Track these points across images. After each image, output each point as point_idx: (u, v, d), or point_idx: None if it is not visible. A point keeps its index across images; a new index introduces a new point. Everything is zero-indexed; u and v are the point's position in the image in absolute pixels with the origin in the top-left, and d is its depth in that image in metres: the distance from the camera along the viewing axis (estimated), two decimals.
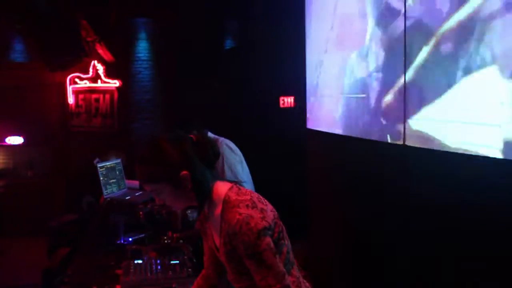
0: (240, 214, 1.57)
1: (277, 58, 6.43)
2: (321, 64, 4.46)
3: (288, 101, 7.10)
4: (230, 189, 1.68)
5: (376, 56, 3.17)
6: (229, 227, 1.59)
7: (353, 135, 3.59)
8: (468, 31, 2.12)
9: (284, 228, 1.69)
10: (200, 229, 1.91)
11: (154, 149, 1.66)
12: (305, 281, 1.77)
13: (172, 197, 1.69)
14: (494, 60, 1.97)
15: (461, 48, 2.19)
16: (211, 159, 1.72)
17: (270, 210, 1.65)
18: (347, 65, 3.73)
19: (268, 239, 1.57)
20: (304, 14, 4.95)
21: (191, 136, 1.72)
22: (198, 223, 1.89)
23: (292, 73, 5.57)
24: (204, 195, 1.69)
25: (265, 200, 1.69)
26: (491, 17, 1.98)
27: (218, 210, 1.67)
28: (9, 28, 6.97)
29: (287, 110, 7.06)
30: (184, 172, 1.63)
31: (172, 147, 1.65)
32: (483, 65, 2.04)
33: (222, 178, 1.79)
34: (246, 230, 1.55)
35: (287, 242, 1.69)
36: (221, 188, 1.70)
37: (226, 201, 1.64)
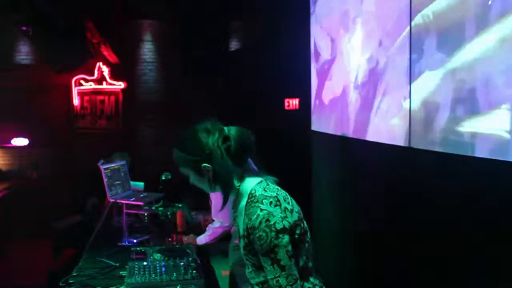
0: (261, 210, 1.59)
1: (282, 60, 6.42)
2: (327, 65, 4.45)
3: (293, 103, 7.09)
4: (258, 183, 1.70)
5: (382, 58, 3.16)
6: (249, 221, 1.60)
7: (358, 136, 3.58)
8: None
9: (307, 231, 1.70)
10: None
11: (186, 138, 1.75)
12: None
13: (198, 182, 1.75)
14: None
15: None
16: (239, 154, 1.72)
17: (295, 211, 1.66)
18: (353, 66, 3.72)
19: (286, 240, 1.57)
20: (309, 15, 4.95)
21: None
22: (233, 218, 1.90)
23: (297, 74, 5.56)
24: (225, 188, 1.71)
25: (292, 200, 1.69)
26: None
27: (243, 203, 1.69)
28: (14, 30, 6.99)
29: (292, 112, 7.06)
30: (206, 164, 1.68)
31: (201, 140, 1.69)
32: None
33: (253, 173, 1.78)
34: (265, 226, 1.56)
35: (308, 246, 1.69)
36: (250, 182, 1.71)
37: (251, 195, 1.66)
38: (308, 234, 1.71)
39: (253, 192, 1.66)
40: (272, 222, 1.56)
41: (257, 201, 1.62)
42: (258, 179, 1.72)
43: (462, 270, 2.29)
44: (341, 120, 4.00)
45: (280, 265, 1.56)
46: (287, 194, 1.71)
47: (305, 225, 1.70)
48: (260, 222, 1.57)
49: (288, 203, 1.65)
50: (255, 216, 1.59)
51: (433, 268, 2.53)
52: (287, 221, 1.59)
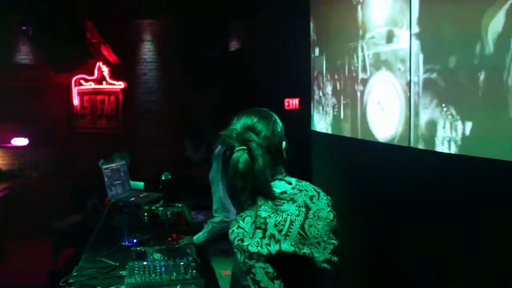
0: (239, 227, 1.48)
1: (282, 60, 6.42)
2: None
3: (293, 103, 7.09)
4: (267, 199, 1.49)
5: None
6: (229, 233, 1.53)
7: (358, 136, 3.58)
8: None
9: (308, 273, 1.47)
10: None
11: (273, 116, 1.72)
12: None
13: (266, 166, 1.53)
14: None
15: None
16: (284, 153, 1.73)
17: (290, 245, 1.42)
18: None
19: (263, 262, 1.43)
20: (309, 15, 4.94)
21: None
22: None
23: (297, 74, 5.56)
24: (264, 185, 1.49)
25: (293, 231, 1.43)
26: None
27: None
28: (14, 30, 7.00)
29: (292, 112, 7.06)
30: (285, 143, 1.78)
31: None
32: None
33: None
34: (238, 246, 1.47)
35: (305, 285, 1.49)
36: (278, 185, 1.55)
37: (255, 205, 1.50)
38: (317, 274, 1.47)
39: (257, 203, 1.49)
40: (245, 243, 1.44)
41: (241, 216, 1.50)
42: (283, 186, 1.55)
43: (462, 270, 2.29)
44: (341, 119, 4.00)
45: (260, 287, 1.44)
46: (296, 224, 1.45)
47: (311, 265, 1.45)
48: (234, 239, 1.48)
49: (280, 231, 1.43)
50: (231, 231, 1.50)
51: (432, 268, 2.54)
52: (267, 248, 1.42)
